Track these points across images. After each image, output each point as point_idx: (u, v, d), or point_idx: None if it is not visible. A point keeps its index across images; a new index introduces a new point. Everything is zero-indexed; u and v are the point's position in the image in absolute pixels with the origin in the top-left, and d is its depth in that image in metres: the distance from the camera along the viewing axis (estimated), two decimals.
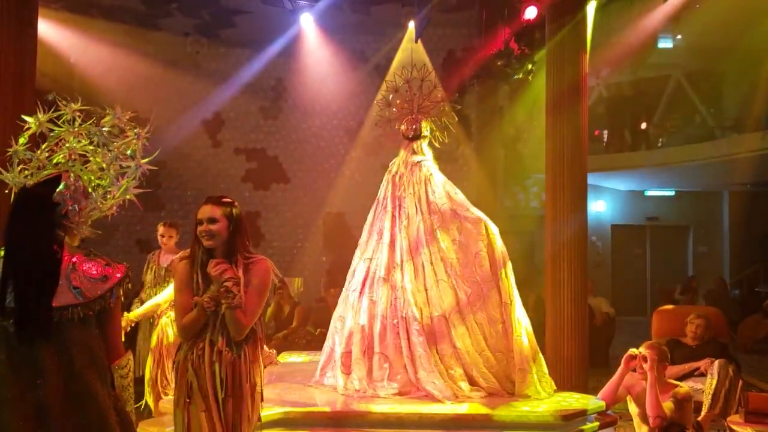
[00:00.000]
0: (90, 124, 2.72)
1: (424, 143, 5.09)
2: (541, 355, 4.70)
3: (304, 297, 10.60)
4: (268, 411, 4.00)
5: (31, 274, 2.34)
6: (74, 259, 2.43)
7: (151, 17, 10.76)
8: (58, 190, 2.49)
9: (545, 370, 4.67)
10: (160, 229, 5.93)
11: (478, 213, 4.78)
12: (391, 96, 5.22)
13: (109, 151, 2.70)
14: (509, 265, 4.70)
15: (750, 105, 11.08)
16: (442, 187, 4.85)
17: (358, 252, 5.01)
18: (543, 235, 6.98)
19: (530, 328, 4.68)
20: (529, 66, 9.50)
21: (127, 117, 2.77)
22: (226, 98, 11.73)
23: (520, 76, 9.84)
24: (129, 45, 10.77)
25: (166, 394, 5.21)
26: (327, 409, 4.16)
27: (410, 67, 5.15)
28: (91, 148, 2.68)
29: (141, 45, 10.95)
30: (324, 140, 12.14)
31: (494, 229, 4.72)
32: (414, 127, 5.04)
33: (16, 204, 2.46)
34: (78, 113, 2.72)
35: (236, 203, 3.09)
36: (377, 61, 11.62)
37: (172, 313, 5.64)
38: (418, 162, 4.95)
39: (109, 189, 2.69)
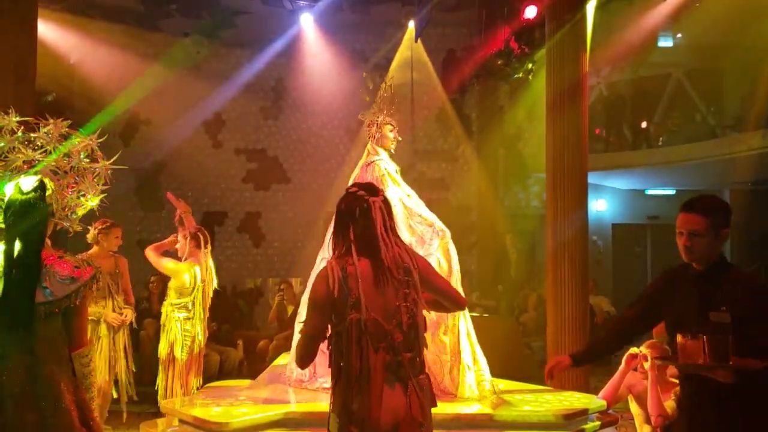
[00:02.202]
0: (23, 131, 2.90)
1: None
2: (476, 359, 4.60)
3: None
4: (269, 412, 4.00)
5: (23, 273, 2.62)
6: (49, 261, 2.69)
7: (151, 18, 10.77)
8: (47, 194, 2.76)
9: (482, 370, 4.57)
10: (117, 231, 5.75)
11: (430, 218, 4.72)
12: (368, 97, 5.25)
13: (68, 156, 2.90)
14: (454, 270, 4.62)
15: (751, 103, 11.06)
16: (392, 191, 4.78)
17: (320, 252, 5.01)
18: (544, 234, 6.98)
19: (471, 332, 4.62)
20: (529, 65, 9.50)
21: (67, 125, 2.94)
22: (227, 99, 11.73)
23: (521, 75, 9.84)
24: (129, 46, 10.77)
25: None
26: (329, 409, 4.15)
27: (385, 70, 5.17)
28: (37, 155, 2.86)
29: (141, 46, 10.95)
30: (324, 140, 12.14)
31: (448, 235, 4.68)
32: (370, 128, 5.06)
33: (12, 208, 2.69)
34: (17, 124, 2.90)
35: (357, 192, 2.74)
36: (377, 60, 11.61)
37: (180, 314, 5.60)
38: (371, 162, 4.95)
39: (80, 188, 2.92)
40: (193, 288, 5.64)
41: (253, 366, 8.15)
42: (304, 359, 2.70)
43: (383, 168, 4.86)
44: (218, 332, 8.49)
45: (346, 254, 2.65)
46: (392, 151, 5.10)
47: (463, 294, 2.76)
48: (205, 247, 5.81)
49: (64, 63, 10.46)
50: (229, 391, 4.75)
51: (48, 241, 2.78)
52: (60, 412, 2.58)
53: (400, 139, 5.19)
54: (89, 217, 3.05)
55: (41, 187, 2.74)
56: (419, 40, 9.87)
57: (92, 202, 2.94)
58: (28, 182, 2.74)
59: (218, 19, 10.88)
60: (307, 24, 10.76)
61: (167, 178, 11.91)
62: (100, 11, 10.39)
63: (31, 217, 2.68)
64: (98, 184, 2.94)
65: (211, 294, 5.83)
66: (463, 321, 4.54)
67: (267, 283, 11.57)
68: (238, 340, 8.76)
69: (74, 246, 2.96)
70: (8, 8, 5.39)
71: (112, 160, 2.98)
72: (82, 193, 2.91)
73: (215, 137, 12.06)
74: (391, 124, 5.04)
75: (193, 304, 5.65)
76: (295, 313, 8.76)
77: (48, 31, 9.34)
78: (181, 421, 4.14)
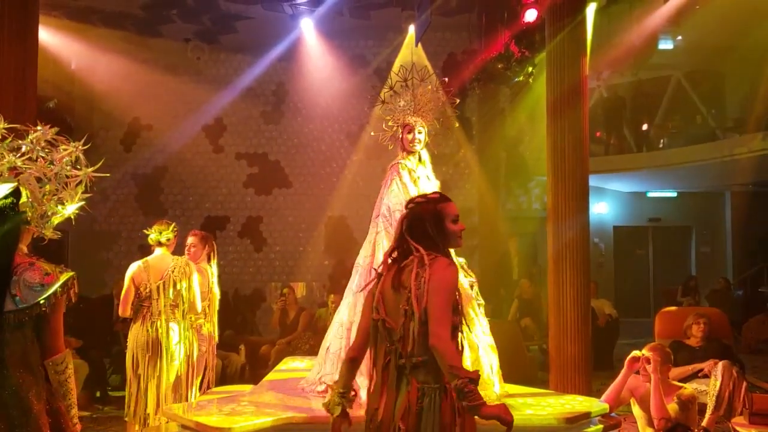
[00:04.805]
0: (11, 140, 2.85)
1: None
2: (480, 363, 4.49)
3: (307, 301, 10.61)
4: (271, 417, 4.00)
5: None
6: (20, 268, 2.63)
7: (152, 23, 10.78)
8: (22, 201, 2.70)
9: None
10: None
11: None
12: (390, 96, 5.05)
13: (52, 163, 2.84)
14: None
15: (751, 105, 11.07)
16: (398, 189, 4.74)
17: None
18: (545, 237, 6.97)
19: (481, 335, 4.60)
20: (530, 69, 9.50)
21: (54, 132, 2.90)
22: (227, 103, 11.76)
23: (521, 78, 9.85)
24: (129, 51, 10.80)
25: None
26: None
27: (410, 66, 5.00)
28: (20, 162, 2.81)
29: (141, 51, 10.98)
30: (325, 144, 12.16)
31: None
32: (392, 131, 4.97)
33: None
34: (6, 131, 2.86)
35: (419, 199, 2.90)
36: (377, 65, 11.63)
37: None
38: (393, 164, 4.88)
39: (60, 196, 2.85)
40: (209, 291, 5.67)
41: (255, 371, 8.15)
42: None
43: (396, 172, 4.79)
44: (220, 337, 8.49)
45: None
46: (417, 152, 4.93)
47: (443, 338, 2.56)
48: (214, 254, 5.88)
49: (65, 69, 10.49)
50: (231, 396, 4.75)
51: (24, 248, 2.73)
52: (30, 421, 2.54)
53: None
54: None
55: (15, 194, 2.68)
56: (419, 44, 9.88)
57: (69, 208, 2.86)
58: (1, 189, 2.67)
59: (219, 25, 10.90)
60: (308, 28, 10.79)
61: (168, 183, 11.94)
62: (100, 17, 10.41)
63: (2, 224, 2.62)
64: (78, 192, 2.88)
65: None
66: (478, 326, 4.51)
67: (268, 287, 11.59)
68: (240, 345, 8.75)
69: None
70: (9, 16, 5.40)
71: (93, 168, 2.92)
72: (61, 200, 2.85)
73: (216, 142, 12.08)
74: (410, 124, 4.89)
75: (209, 307, 5.69)
76: (297, 318, 8.80)
77: (49, 37, 9.36)
78: (183, 426, 4.13)
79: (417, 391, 2.61)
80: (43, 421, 2.58)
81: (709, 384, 5.40)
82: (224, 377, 7.83)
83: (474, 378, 2.47)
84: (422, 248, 2.71)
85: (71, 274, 2.72)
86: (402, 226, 2.81)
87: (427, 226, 2.77)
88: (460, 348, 2.72)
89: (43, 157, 2.84)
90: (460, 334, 2.74)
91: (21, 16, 5.49)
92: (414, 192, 4.71)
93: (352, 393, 2.86)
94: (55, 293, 2.64)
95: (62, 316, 2.74)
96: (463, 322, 2.78)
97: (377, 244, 4.58)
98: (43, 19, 6.29)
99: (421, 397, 2.61)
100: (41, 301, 2.61)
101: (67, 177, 2.88)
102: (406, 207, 2.87)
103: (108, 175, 3.02)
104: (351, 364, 2.88)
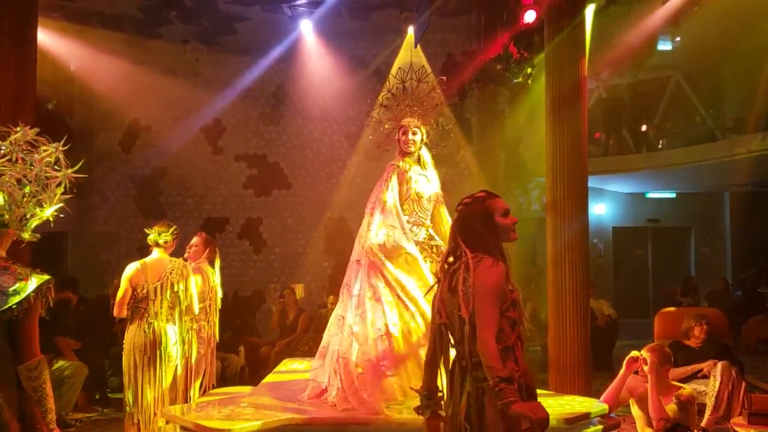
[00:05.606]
0: None
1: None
2: None
3: (306, 303, 10.59)
4: (271, 419, 4.00)
5: None
6: None
7: (151, 25, 10.78)
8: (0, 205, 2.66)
9: None
10: None
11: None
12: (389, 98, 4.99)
13: (32, 165, 2.79)
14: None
15: (750, 106, 11.08)
16: (381, 190, 4.73)
17: None
18: (544, 238, 6.96)
19: None
20: (529, 70, 9.49)
21: (35, 133, 2.86)
22: (227, 105, 11.76)
23: (520, 79, 9.83)
24: (129, 53, 10.80)
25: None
26: (330, 415, 4.16)
27: (407, 68, 4.94)
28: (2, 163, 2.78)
29: (140, 53, 10.97)
30: (325, 145, 12.16)
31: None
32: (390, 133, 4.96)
33: None
34: None
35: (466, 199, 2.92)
36: (377, 66, 11.63)
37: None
38: (389, 165, 4.86)
39: (40, 198, 2.81)
40: (209, 291, 5.67)
41: (254, 372, 8.14)
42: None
43: (390, 172, 4.78)
44: (220, 338, 8.49)
45: None
46: (413, 153, 4.87)
47: (485, 340, 2.56)
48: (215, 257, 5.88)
49: (64, 70, 10.48)
50: (230, 397, 4.75)
51: (2, 252, 2.69)
52: None
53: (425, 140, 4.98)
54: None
55: None
56: (419, 46, 9.88)
57: (48, 211, 2.81)
58: None
59: (218, 26, 10.90)
60: (307, 30, 10.80)
61: (167, 185, 11.94)
62: (99, 19, 10.41)
63: None
64: (58, 194, 2.83)
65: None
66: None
67: (268, 289, 11.58)
68: (240, 346, 8.74)
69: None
70: (9, 17, 5.40)
71: (73, 169, 2.88)
72: (40, 202, 2.81)
73: (215, 143, 12.08)
74: (405, 126, 4.84)
75: (210, 307, 5.68)
76: (296, 319, 8.80)
77: (48, 39, 9.35)
78: (182, 428, 4.13)
79: (477, 389, 2.64)
80: (13, 427, 2.54)
81: (708, 384, 5.41)
82: (224, 378, 7.82)
83: (505, 377, 2.48)
84: (469, 250, 2.74)
85: (46, 278, 2.67)
86: (454, 229, 2.84)
87: (477, 225, 2.82)
88: (519, 343, 2.71)
89: (23, 159, 2.78)
90: (520, 327, 2.72)
91: (20, 17, 5.50)
92: (397, 193, 4.71)
93: (439, 394, 2.88)
94: (27, 298, 2.58)
95: (37, 321, 2.68)
96: (523, 316, 2.76)
97: (360, 244, 4.64)
98: (42, 20, 6.29)
99: (481, 395, 2.63)
100: (13, 306, 2.55)
101: (47, 178, 2.82)
102: (456, 210, 2.90)
103: (87, 175, 2.95)
104: (429, 367, 2.91)
